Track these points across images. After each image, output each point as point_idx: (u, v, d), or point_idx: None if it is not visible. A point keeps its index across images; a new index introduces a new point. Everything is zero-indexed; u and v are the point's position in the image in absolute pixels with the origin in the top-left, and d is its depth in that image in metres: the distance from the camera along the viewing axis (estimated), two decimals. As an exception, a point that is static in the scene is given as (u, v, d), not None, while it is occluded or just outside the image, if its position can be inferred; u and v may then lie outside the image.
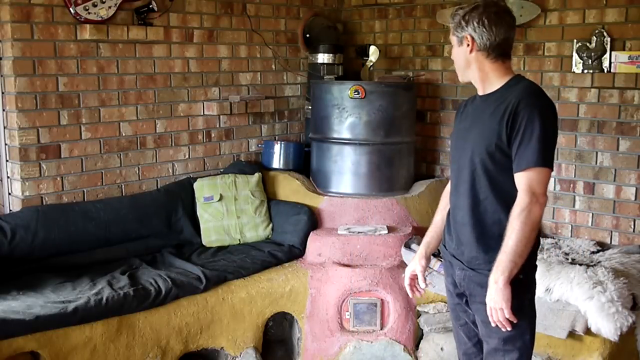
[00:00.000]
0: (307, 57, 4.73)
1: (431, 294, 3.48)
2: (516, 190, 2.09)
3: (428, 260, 2.47)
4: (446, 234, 2.38)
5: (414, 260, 2.47)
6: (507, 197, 2.12)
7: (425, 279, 2.43)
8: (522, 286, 2.12)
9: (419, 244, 3.63)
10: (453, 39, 2.25)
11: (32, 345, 2.72)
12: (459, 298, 2.36)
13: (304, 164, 4.44)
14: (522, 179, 2.07)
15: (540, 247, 2.33)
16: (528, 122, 2.05)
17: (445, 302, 3.47)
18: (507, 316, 2.07)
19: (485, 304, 2.12)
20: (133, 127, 3.88)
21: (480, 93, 2.27)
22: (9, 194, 3.54)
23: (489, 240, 2.17)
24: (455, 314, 2.44)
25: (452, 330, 2.53)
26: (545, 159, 2.06)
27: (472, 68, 2.22)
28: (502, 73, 2.20)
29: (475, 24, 2.15)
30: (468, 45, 2.18)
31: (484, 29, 2.14)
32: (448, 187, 2.45)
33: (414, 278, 2.47)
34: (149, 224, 3.75)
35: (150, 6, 3.74)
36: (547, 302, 3.05)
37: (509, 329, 2.10)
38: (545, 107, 2.10)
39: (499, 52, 2.18)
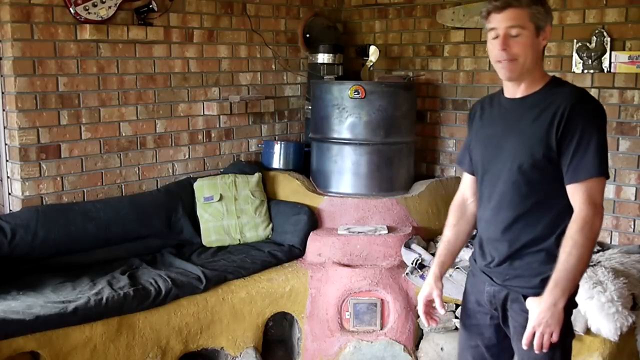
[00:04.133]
0: (307, 57, 4.73)
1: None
2: (562, 203, 1.94)
3: (441, 282, 2.23)
4: (477, 249, 2.19)
5: (428, 284, 2.23)
6: (552, 210, 1.97)
7: (443, 305, 2.19)
8: (571, 305, 1.97)
9: (418, 244, 3.68)
10: (529, 26, 1.93)
11: (32, 345, 2.72)
12: (481, 318, 2.19)
13: (304, 164, 4.44)
14: (582, 190, 1.90)
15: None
16: (584, 129, 1.88)
17: (445, 302, 3.46)
18: (554, 339, 1.88)
19: (521, 324, 1.96)
20: (133, 127, 3.88)
21: (513, 95, 2.05)
22: (9, 194, 3.54)
23: (528, 257, 2.01)
24: (468, 335, 2.25)
25: (458, 350, 2.34)
26: (605, 169, 1.90)
27: (538, 64, 1.99)
28: (544, 72, 2.02)
29: (551, 14, 1.97)
30: (545, 37, 1.96)
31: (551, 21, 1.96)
32: (457, 200, 2.30)
33: (428, 304, 2.23)
34: (149, 224, 3.75)
35: (150, 6, 3.74)
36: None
37: (545, 350, 1.90)
38: (600, 112, 1.94)
39: None
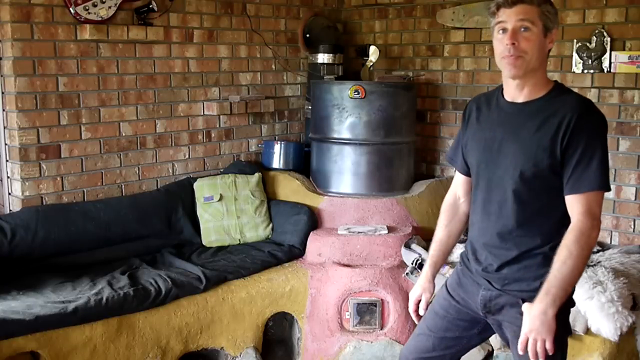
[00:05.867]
0: (307, 57, 4.73)
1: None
2: (562, 211, 1.93)
3: (433, 284, 2.27)
4: (470, 254, 2.17)
5: (420, 285, 2.27)
6: (552, 219, 1.96)
7: (426, 308, 2.24)
8: (564, 313, 1.97)
9: (418, 244, 3.68)
10: (538, 24, 1.91)
11: (32, 345, 2.72)
12: (456, 313, 2.20)
13: (304, 164, 4.44)
14: (581, 202, 1.89)
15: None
16: (589, 141, 1.86)
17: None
18: (548, 348, 1.87)
19: (517, 326, 1.94)
20: (133, 127, 3.88)
21: (514, 99, 2.01)
22: (9, 194, 3.54)
23: (527, 260, 2.01)
24: (434, 321, 2.26)
25: (417, 331, 2.34)
26: (606, 182, 1.89)
27: (543, 66, 1.97)
28: (547, 78, 1.99)
29: (558, 19, 1.95)
30: (551, 40, 1.95)
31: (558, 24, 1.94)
32: (448, 200, 2.29)
33: (418, 304, 2.28)
34: (149, 224, 3.75)
35: (150, 6, 3.74)
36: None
37: (541, 359, 1.89)
38: (604, 125, 1.92)
39: None
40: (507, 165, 1.99)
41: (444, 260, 2.30)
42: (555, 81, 2.03)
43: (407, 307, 3.45)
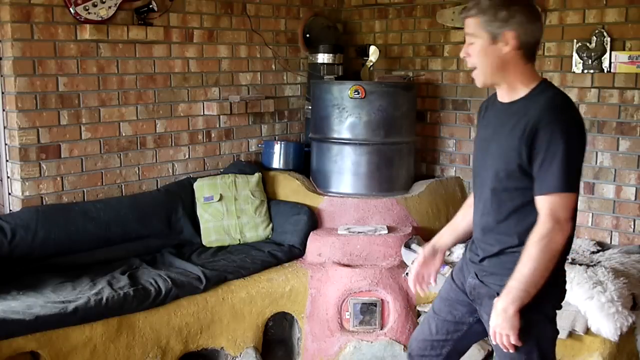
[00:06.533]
0: (307, 57, 4.73)
1: (431, 293, 3.46)
2: (537, 214, 1.93)
3: (436, 254, 2.32)
4: (470, 243, 2.24)
5: (422, 255, 2.31)
6: (528, 218, 1.96)
7: (436, 279, 2.30)
8: (533, 308, 1.97)
9: (418, 244, 3.68)
10: (481, 34, 1.96)
11: (32, 345, 2.72)
12: (458, 296, 2.25)
13: (304, 164, 4.44)
14: (544, 204, 1.89)
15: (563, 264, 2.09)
16: (551, 141, 1.85)
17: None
18: (513, 342, 1.95)
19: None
20: (133, 127, 3.88)
21: (503, 99, 2.05)
22: (9, 194, 3.54)
23: (504, 256, 2.04)
24: (441, 305, 2.30)
25: (426, 315, 2.41)
26: (569, 184, 1.88)
27: (507, 70, 1.97)
28: (529, 78, 1.98)
29: (522, 19, 1.90)
30: (507, 43, 1.93)
31: (530, 25, 1.91)
32: (471, 198, 2.31)
33: (421, 274, 2.30)
34: (149, 224, 3.75)
35: (150, 6, 3.74)
36: (547, 302, 3.04)
37: (511, 351, 1.98)
38: (570, 123, 1.89)
39: (533, 52, 1.97)
40: (489, 165, 2.04)
41: (453, 236, 2.34)
42: (542, 80, 2.02)
43: (407, 307, 3.49)
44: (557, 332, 2.15)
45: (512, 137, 1.94)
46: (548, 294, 2.01)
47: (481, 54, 1.98)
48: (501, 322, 1.94)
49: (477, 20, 1.96)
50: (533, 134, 1.88)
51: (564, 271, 2.10)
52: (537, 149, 1.88)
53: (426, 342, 2.33)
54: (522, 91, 1.99)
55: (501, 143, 1.99)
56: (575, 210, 1.95)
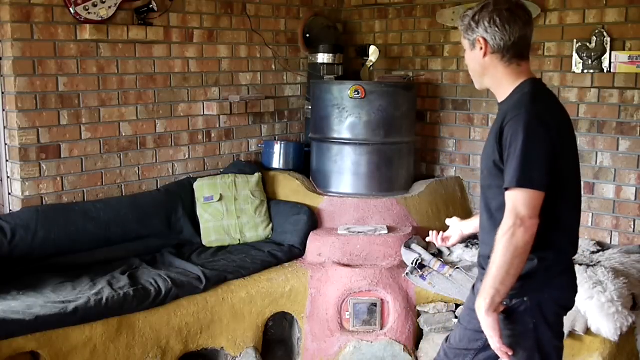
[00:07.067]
0: (307, 57, 4.73)
1: (431, 293, 3.48)
2: None
3: (456, 232, 2.41)
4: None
5: (455, 224, 2.43)
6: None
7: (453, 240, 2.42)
8: (516, 314, 1.96)
9: (419, 244, 3.68)
10: (465, 43, 2.07)
11: (32, 345, 2.72)
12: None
13: (304, 164, 4.44)
14: (507, 199, 1.90)
15: (549, 267, 2.02)
16: (512, 137, 1.89)
17: (445, 302, 3.47)
18: (498, 345, 1.93)
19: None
20: (133, 127, 3.88)
21: (499, 101, 2.11)
22: (9, 194, 3.54)
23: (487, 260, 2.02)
24: (467, 317, 2.25)
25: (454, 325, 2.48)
26: (527, 179, 1.86)
27: (489, 74, 2.05)
28: (515, 78, 2.02)
29: (487, 24, 1.97)
30: (481, 48, 2.00)
31: (497, 28, 1.96)
32: None
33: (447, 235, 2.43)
34: (149, 224, 3.75)
35: (150, 6, 3.74)
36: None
37: (506, 357, 1.95)
38: (532, 116, 1.90)
39: (515, 53, 1.99)
40: (482, 165, 2.12)
41: (469, 230, 2.39)
42: (527, 79, 2.03)
43: (407, 307, 3.49)
44: (562, 336, 2.11)
45: (491, 136, 2.02)
46: (545, 297, 1.99)
47: (467, 61, 2.11)
48: (480, 319, 1.94)
49: (460, 32, 2.10)
50: (501, 131, 1.93)
51: (569, 275, 2.07)
52: (504, 145, 1.92)
53: (451, 350, 2.31)
54: (508, 91, 2.04)
55: (486, 143, 2.07)
56: (539, 208, 1.89)
